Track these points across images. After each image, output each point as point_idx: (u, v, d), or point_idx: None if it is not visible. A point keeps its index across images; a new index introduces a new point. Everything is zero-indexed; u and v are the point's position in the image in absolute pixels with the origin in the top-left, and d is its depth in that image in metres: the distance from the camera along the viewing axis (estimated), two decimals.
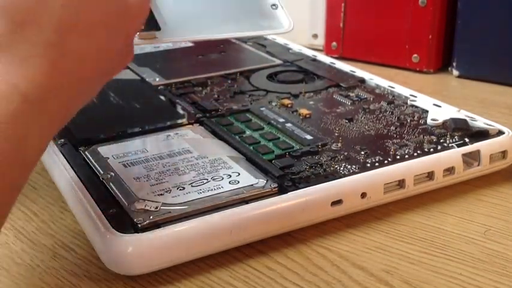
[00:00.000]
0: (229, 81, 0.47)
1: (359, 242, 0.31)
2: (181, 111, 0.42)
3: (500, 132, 0.37)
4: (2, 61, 0.22)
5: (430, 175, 0.34)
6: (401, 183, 0.33)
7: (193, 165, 0.33)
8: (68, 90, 0.25)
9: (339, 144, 0.36)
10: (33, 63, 0.23)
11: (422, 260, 0.29)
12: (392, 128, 0.38)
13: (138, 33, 0.35)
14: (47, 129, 0.24)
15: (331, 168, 0.33)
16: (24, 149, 0.22)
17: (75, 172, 0.33)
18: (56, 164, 0.35)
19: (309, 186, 0.31)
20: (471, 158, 0.36)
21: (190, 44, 0.57)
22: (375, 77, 0.47)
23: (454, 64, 0.56)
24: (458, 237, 0.31)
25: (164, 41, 0.36)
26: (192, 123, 0.39)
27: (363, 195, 0.32)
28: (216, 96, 0.44)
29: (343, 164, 0.34)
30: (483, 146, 0.36)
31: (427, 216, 0.33)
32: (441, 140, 0.36)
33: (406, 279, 0.28)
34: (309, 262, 0.29)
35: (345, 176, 0.32)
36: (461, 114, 0.39)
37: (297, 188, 0.31)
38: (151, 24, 0.35)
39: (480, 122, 0.38)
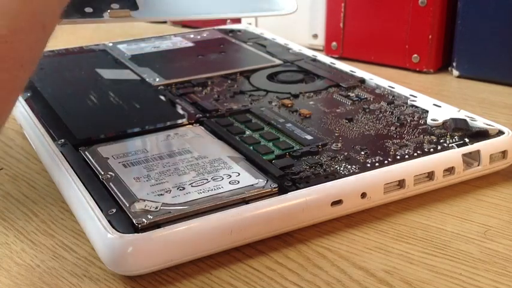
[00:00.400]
0: (229, 81, 0.47)
1: (359, 242, 0.31)
2: (181, 111, 0.42)
3: (500, 132, 0.37)
4: None
5: (430, 175, 0.34)
6: (401, 183, 0.33)
7: (193, 165, 0.33)
8: None
9: (339, 144, 0.36)
10: None
11: (422, 260, 0.29)
12: (393, 128, 0.38)
13: (109, 11, 0.33)
14: None
15: (331, 168, 0.33)
16: (43, 12, 0.25)
17: (75, 172, 0.33)
18: (56, 164, 0.35)
19: (309, 186, 0.31)
20: (471, 158, 0.36)
21: (191, 44, 0.57)
22: (374, 77, 0.47)
23: (454, 64, 0.56)
24: (458, 237, 0.31)
25: (141, 19, 0.34)
26: (192, 123, 0.39)
27: (363, 195, 0.32)
28: (216, 96, 0.44)
29: (343, 164, 0.34)
30: (483, 146, 0.36)
31: (427, 216, 0.33)
32: (441, 140, 0.36)
33: (406, 279, 0.28)
34: (309, 262, 0.29)
35: (345, 176, 0.32)
36: (461, 114, 0.39)
37: (297, 188, 0.31)
38: (129, 2, 0.33)
39: (480, 122, 0.38)
